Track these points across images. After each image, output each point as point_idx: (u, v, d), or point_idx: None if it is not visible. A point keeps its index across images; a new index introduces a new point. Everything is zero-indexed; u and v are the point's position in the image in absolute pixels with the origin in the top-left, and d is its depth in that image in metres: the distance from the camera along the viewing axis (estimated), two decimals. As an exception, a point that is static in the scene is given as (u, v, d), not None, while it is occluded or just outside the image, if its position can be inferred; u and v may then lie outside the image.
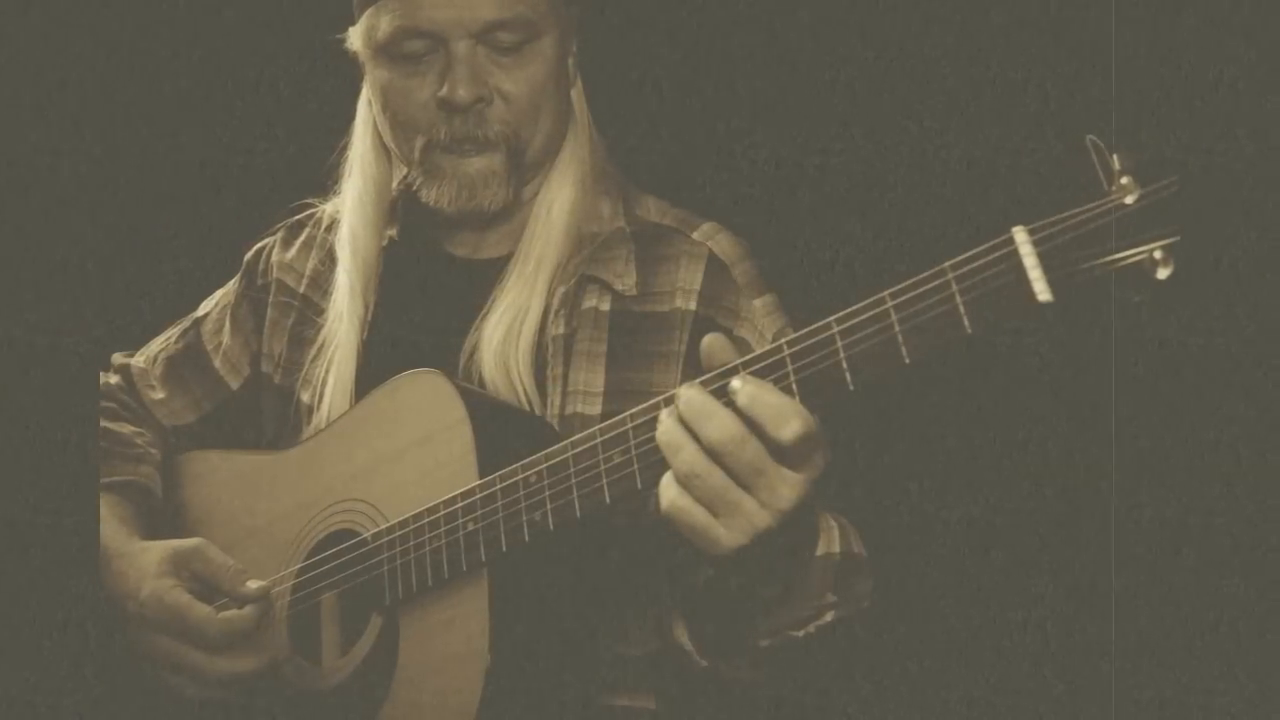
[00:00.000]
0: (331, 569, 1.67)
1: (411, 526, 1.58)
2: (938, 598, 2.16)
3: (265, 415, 1.92)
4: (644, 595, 1.68)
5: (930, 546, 2.15)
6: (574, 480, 1.43)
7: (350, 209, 1.87)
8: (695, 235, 1.80)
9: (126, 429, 1.90)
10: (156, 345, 2.02)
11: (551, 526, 1.45)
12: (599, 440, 1.41)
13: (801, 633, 1.52)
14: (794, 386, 1.29)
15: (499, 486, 1.50)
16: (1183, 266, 1.15)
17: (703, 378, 1.33)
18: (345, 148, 1.90)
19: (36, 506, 1.39)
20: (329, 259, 1.90)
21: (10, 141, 1.43)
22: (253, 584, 1.64)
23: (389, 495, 1.63)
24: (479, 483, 1.53)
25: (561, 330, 1.74)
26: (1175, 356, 1.84)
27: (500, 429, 1.60)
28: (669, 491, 1.31)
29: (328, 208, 1.97)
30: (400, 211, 1.90)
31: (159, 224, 2.52)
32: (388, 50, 1.75)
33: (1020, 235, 1.20)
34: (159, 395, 1.99)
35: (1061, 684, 2.11)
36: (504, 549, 1.50)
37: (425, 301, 1.84)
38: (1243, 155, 1.61)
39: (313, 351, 1.86)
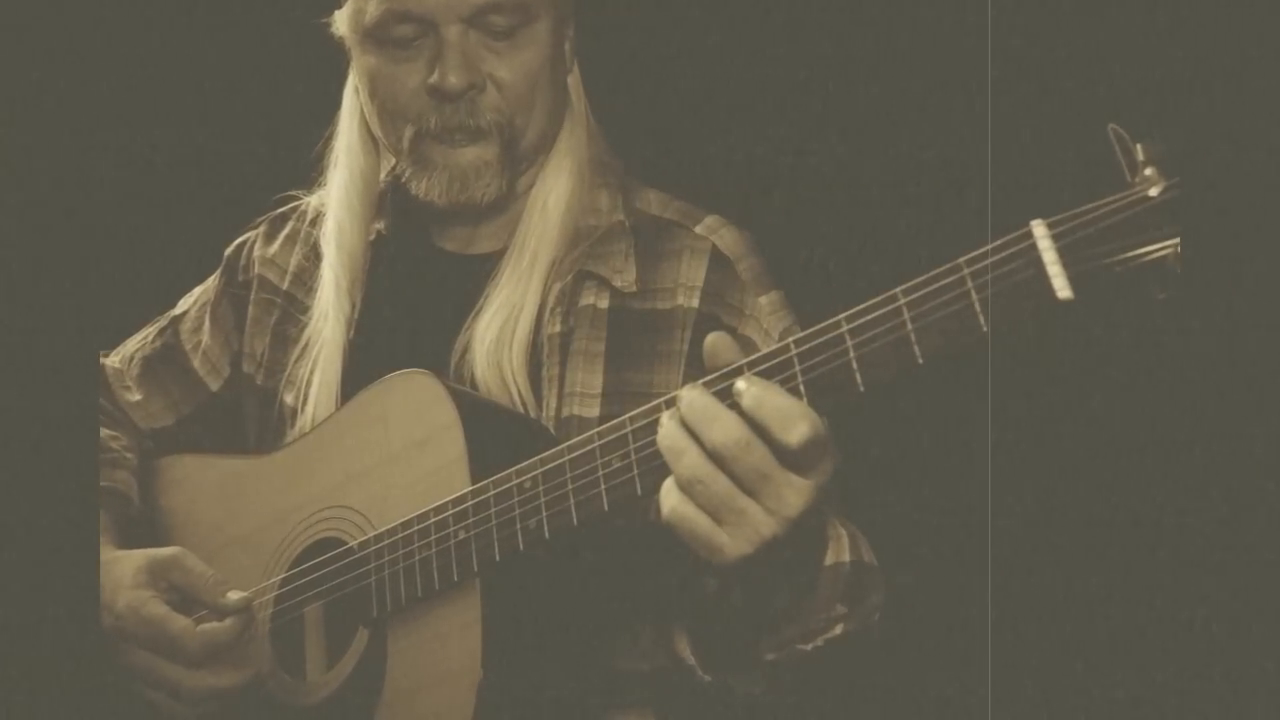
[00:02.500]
0: (316, 579, 1.65)
1: (400, 535, 1.56)
2: (951, 609, 2.13)
3: (247, 418, 1.90)
4: (644, 607, 1.67)
5: (944, 556, 2.12)
6: (571, 486, 1.42)
7: (336, 201, 1.85)
8: (698, 229, 1.78)
9: (101, 432, 1.88)
10: (133, 345, 2.01)
11: (547, 535, 1.44)
12: (597, 444, 1.40)
13: (810, 646, 1.49)
14: (801, 388, 1.27)
15: (492, 493, 1.48)
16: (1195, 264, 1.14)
17: (706, 379, 1.31)
18: (331, 138, 1.89)
19: (34, 508, 1.39)
20: (313, 254, 1.89)
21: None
22: (233, 595, 1.63)
23: (377, 502, 1.61)
24: (471, 489, 1.51)
25: (558, 329, 1.71)
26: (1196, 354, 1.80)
27: (493, 432, 1.58)
28: (670, 498, 1.30)
29: (312, 200, 1.95)
30: (389, 204, 1.88)
31: (135, 217, 2.53)
32: (375, 35, 1.73)
33: (1039, 229, 1.19)
34: (135, 397, 1.97)
35: (1073, 692, 2.07)
36: (497, 558, 1.48)
37: (415, 299, 1.82)
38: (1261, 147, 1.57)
39: (296, 351, 1.84)
